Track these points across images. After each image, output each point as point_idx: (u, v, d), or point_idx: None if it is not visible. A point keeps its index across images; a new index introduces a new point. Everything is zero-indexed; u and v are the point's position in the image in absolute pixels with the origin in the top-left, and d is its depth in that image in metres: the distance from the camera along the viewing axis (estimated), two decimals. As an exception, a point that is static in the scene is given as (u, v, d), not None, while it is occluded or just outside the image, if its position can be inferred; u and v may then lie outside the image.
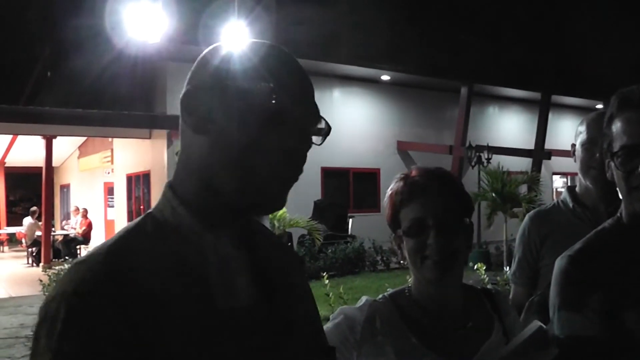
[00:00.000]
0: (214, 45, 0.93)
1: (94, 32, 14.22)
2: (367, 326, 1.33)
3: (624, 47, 17.60)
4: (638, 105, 1.28)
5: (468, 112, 17.20)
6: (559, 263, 1.37)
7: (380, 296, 1.41)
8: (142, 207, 15.61)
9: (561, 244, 1.46)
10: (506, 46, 16.86)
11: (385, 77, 16.97)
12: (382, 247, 12.81)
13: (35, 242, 15.26)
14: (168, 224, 0.87)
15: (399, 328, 1.33)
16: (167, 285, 0.80)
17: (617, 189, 1.35)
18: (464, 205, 1.38)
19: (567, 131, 17.84)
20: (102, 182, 18.94)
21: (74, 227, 16.90)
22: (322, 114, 0.91)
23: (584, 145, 2.02)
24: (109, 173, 18.15)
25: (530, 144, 19.18)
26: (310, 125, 0.89)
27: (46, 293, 8.26)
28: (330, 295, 6.64)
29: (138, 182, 16.00)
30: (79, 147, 19.53)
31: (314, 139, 0.89)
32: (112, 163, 17.49)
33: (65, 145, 18.20)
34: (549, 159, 18.96)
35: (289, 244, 11.34)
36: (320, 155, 14.61)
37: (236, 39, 0.86)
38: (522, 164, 17.46)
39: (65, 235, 16.45)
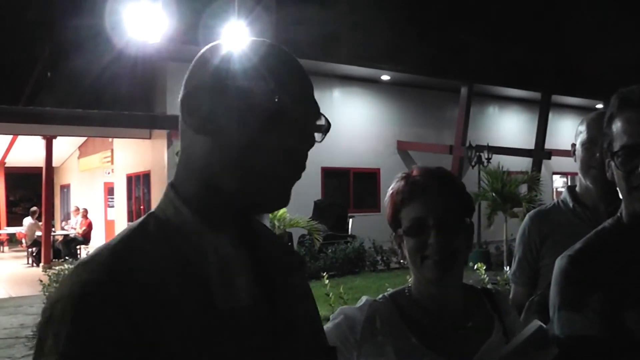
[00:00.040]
0: (212, 44, 0.93)
1: (94, 32, 14.23)
2: (367, 326, 1.33)
3: (624, 47, 17.59)
4: (638, 105, 1.28)
5: (468, 112, 17.20)
6: (559, 263, 1.37)
7: (380, 296, 1.41)
8: (142, 207, 15.61)
9: (561, 243, 1.46)
10: (506, 46, 16.85)
11: (385, 77, 16.97)
12: (382, 247, 12.81)
13: (36, 242, 15.27)
14: (170, 224, 0.87)
15: (399, 328, 1.33)
16: (170, 286, 0.80)
17: (617, 188, 1.35)
18: (465, 205, 1.38)
19: (567, 131, 17.84)
20: (102, 182, 18.95)
21: (74, 227, 16.90)
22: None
23: (584, 145, 2.02)
24: (109, 173, 18.15)
25: (530, 144, 19.18)
26: (311, 123, 0.89)
27: (46, 293, 8.27)
28: (331, 295, 6.64)
29: (138, 182, 16.00)
30: (79, 147, 19.54)
31: (315, 136, 0.89)
32: (112, 163, 17.49)
33: (66, 146, 18.20)
34: (549, 158, 18.96)
35: (289, 243, 11.33)
36: (321, 155, 14.61)
37: (234, 38, 0.86)
38: (522, 163, 17.46)
39: (66, 236, 16.45)
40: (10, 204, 24.88)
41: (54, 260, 13.85)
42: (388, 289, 1.58)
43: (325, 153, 15.03)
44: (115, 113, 13.75)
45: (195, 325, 0.79)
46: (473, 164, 15.32)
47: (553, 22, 17.71)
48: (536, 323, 1.28)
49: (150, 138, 14.78)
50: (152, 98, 14.72)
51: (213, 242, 0.86)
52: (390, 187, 1.40)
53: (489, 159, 15.21)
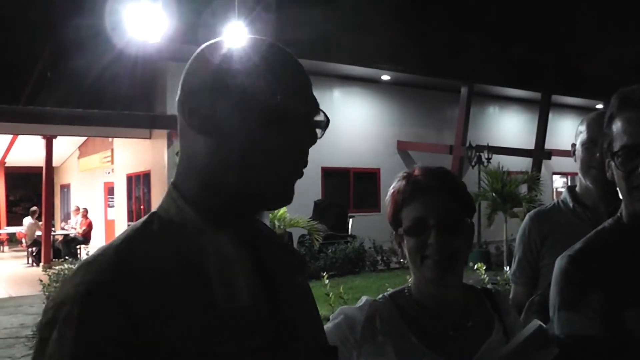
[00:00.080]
0: (209, 43, 0.92)
1: (94, 32, 14.23)
2: (367, 326, 1.33)
3: (624, 47, 17.60)
4: (638, 105, 1.28)
5: (468, 112, 17.20)
6: (559, 263, 1.37)
7: (380, 296, 1.42)
8: (142, 207, 15.62)
9: (561, 243, 1.46)
10: (506, 46, 16.85)
11: (385, 77, 16.98)
12: (382, 247, 12.81)
13: (36, 242, 15.27)
14: (174, 224, 0.87)
15: (399, 328, 1.33)
16: (174, 286, 0.80)
17: (618, 188, 1.35)
18: (466, 205, 1.38)
19: (567, 131, 17.83)
20: (103, 182, 18.95)
21: (74, 227, 16.91)
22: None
23: (584, 145, 2.02)
24: (109, 173, 18.16)
25: (530, 144, 19.18)
26: (312, 119, 0.89)
27: (46, 293, 8.27)
28: (331, 295, 6.64)
29: (138, 182, 16.00)
30: (79, 147, 19.54)
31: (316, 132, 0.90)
32: (112, 163, 17.50)
33: (66, 145, 18.20)
34: (549, 158, 18.97)
35: (289, 243, 11.33)
36: (321, 155, 14.61)
37: (230, 36, 0.86)
38: (522, 163, 17.46)
39: (66, 235, 16.45)
40: (10, 204, 24.89)
41: (54, 260, 13.85)
42: (388, 289, 1.58)
43: (325, 153, 15.03)
44: (116, 113, 13.76)
45: (198, 325, 0.79)
46: (473, 164, 15.32)
47: (553, 22, 17.71)
48: (536, 322, 1.28)
49: (150, 138, 14.78)
50: (152, 98, 14.73)
51: (216, 241, 0.86)
52: (392, 187, 1.40)
53: (489, 159, 15.21)
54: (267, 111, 0.85)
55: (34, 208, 16.48)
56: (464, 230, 1.35)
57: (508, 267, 7.22)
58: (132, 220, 15.19)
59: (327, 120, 0.92)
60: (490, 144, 15.83)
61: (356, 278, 11.63)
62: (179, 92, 0.90)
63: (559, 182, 22.13)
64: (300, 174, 0.90)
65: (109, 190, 18.65)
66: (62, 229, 18.84)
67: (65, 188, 22.06)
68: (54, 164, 16.40)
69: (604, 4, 17.81)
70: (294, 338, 0.91)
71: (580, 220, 2.06)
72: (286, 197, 0.89)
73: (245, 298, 0.84)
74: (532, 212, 2.28)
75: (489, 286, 1.73)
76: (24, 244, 16.21)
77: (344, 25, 14.46)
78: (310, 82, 0.91)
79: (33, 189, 26.67)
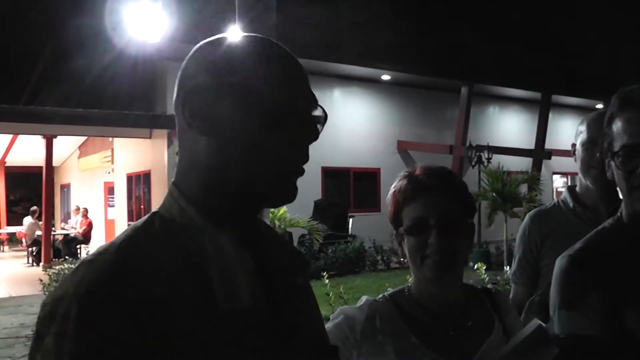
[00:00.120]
0: (204, 42, 0.91)
1: (95, 32, 14.22)
2: (367, 326, 1.33)
3: (624, 46, 17.60)
4: (639, 105, 1.28)
5: (468, 112, 17.20)
6: (559, 262, 1.37)
7: (380, 296, 1.42)
8: (142, 206, 15.61)
9: (561, 243, 1.46)
10: (506, 46, 16.85)
11: (385, 77, 16.97)
12: (382, 246, 12.81)
13: (36, 242, 15.27)
14: (176, 224, 0.86)
15: (399, 327, 1.33)
16: (175, 286, 0.80)
17: (618, 188, 1.35)
18: (467, 205, 1.38)
19: (568, 131, 17.83)
20: (103, 181, 18.95)
21: (74, 226, 16.91)
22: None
23: (584, 144, 2.02)
24: (109, 173, 18.15)
25: (530, 144, 19.18)
26: (312, 114, 0.89)
27: (46, 293, 8.27)
28: (331, 294, 6.65)
29: (138, 182, 16.00)
30: (79, 147, 19.54)
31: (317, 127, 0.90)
32: (112, 163, 17.49)
33: (66, 145, 18.20)
34: (549, 158, 18.97)
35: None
36: (321, 155, 14.62)
37: (225, 34, 0.85)
38: (522, 163, 17.46)
39: (66, 235, 16.45)
40: (10, 204, 24.89)
41: (54, 259, 13.85)
42: (388, 289, 1.58)
43: (325, 153, 15.03)
44: (116, 113, 13.75)
45: (199, 325, 0.79)
46: (473, 163, 15.32)
47: (553, 22, 17.71)
48: (535, 322, 1.28)
49: (150, 138, 14.78)
50: (153, 98, 14.72)
51: (217, 241, 0.85)
52: (393, 185, 1.40)
53: (489, 159, 15.22)
54: (268, 109, 0.85)
55: (34, 208, 16.48)
56: (464, 231, 1.35)
57: (508, 267, 7.22)
58: (132, 220, 15.19)
59: (326, 115, 0.92)
60: (490, 144, 15.83)
61: (356, 278, 11.63)
62: (176, 93, 0.90)
63: (559, 182, 22.13)
64: (302, 170, 0.90)
65: (109, 190, 18.65)
66: (62, 228, 18.84)
67: (66, 188, 22.06)
68: (54, 164, 16.40)
69: (603, 4, 17.81)
70: (295, 338, 0.91)
71: (580, 220, 2.06)
72: (290, 194, 0.89)
73: (246, 298, 0.84)
74: (532, 212, 2.28)
75: (489, 286, 1.73)
76: (24, 244, 16.21)
77: (344, 25, 14.47)
78: (307, 76, 0.91)
79: (33, 189, 26.67)
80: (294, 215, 11.19)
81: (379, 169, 17.09)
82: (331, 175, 16.46)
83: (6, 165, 20.85)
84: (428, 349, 1.30)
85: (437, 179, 1.35)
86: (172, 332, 0.77)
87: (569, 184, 18.03)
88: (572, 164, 2.12)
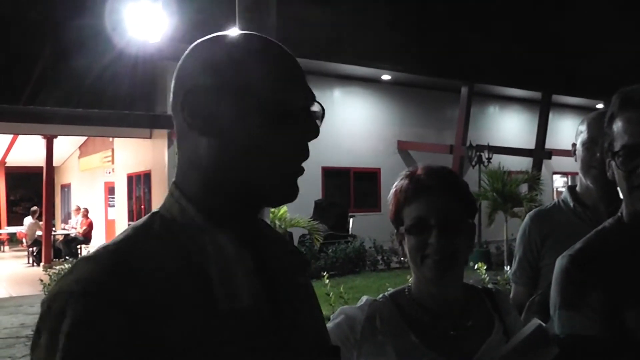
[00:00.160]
0: (199, 42, 0.91)
1: (95, 32, 14.22)
2: (368, 325, 1.33)
3: (624, 47, 17.59)
4: (639, 105, 1.28)
5: (469, 112, 17.21)
6: (559, 262, 1.37)
7: (380, 296, 1.42)
8: (142, 206, 15.62)
9: (562, 243, 1.46)
10: (506, 46, 16.85)
11: (385, 77, 16.97)
12: (382, 246, 12.81)
13: (36, 242, 15.28)
14: (176, 223, 0.86)
15: (399, 327, 1.33)
16: (175, 285, 0.79)
17: (618, 188, 1.35)
18: (468, 206, 1.38)
19: (568, 131, 17.83)
20: (103, 181, 18.95)
21: (74, 226, 16.92)
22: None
23: (584, 144, 2.02)
24: (109, 173, 18.16)
25: (530, 144, 19.18)
26: (311, 111, 0.89)
27: (46, 293, 8.27)
28: (331, 294, 6.65)
29: (139, 182, 16.01)
30: (80, 147, 19.55)
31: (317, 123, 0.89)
32: (112, 163, 17.50)
33: (66, 145, 18.21)
34: (550, 158, 18.97)
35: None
36: (321, 155, 14.62)
37: (220, 33, 0.84)
38: (522, 163, 17.46)
39: (66, 235, 16.46)
40: (10, 204, 24.90)
41: (54, 259, 13.87)
42: (388, 289, 1.58)
43: (325, 153, 15.03)
44: (116, 112, 13.76)
45: (199, 324, 0.79)
46: (473, 163, 15.32)
47: (553, 22, 17.71)
48: (535, 322, 1.28)
49: (150, 138, 14.79)
50: (153, 98, 14.73)
51: (217, 241, 0.85)
52: (394, 185, 1.40)
53: (489, 159, 15.22)
54: (269, 107, 0.84)
55: (35, 208, 16.49)
56: (465, 230, 1.35)
57: (508, 267, 7.23)
58: (132, 220, 15.20)
59: (324, 111, 0.91)
60: (490, 144, 15.83)
61: (356, 278, 11.64)
62: (173, 94, 0.89)
63: (559, 182, 22.13)
64: (302, 170, 0.89)
65: (110, 190, 18.66)
66: (63, 228, 18.85)
67: (66, 188, 22.07)
68: (54, 164, 16.41)
69: (604, 4, 17.80)
70: (296, 338, 0.90)
71: (580, 220, 2.06)
72: (291, 194, 0.89)
73: (246, 298, 0.84)
74: (532, 212, 2.28)
75: (489, 286, 1.73)
76: (25, 244, 16.22)
77: (345, 25, 14.46)
78: (304, 72, 0.91)
79: (33, 189, 26.68)
80: (294, 215, 11.19)
81: (379, 169, 17.09)
82: (331, 175, 16.46)
83: (6, 165, 20.86)
84: (428, 348, 1.30)
85: (438, 179, 1.35)
86: (171, 332, 0.76)
87: (569, 183, 18.02)
88: (572, 164, 2.12)
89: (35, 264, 15.00)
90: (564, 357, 1.25)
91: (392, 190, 1.39)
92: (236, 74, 0.85)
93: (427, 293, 1.37)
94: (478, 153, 15.29)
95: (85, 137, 17.78)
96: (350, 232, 14.65)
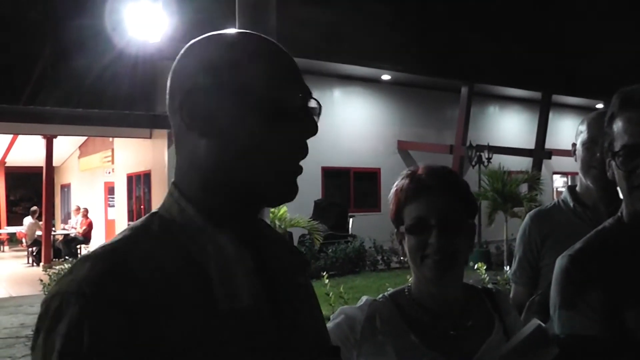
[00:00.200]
0: (194, 41, 0.90)
1: (95, 32, 14.23)
2: (368, 325, 1.33)
3: (624, 47, 17.59)
4: (639, 105, 1.28)
5: (468, 112, 17.21)
6: (559, 262, 1.37)
7: (380, 296, 1.41)
8: (142, 206, 15.62)
9: (562, 243, 1.46)
10: (506, 46, 16.85)
11: (385, 77, 16.98)
12: (382, 246, 12.81)
13: (36, 242, 15.27)
14: (176, 224, 0.86)
15: (399, 327, 1.33)
16: (174, 286, 0.79)
17: (618, 188, 1.35)
18: (468, 206, 1.38)
19: (568, 131, 17.83)
20: (103, 181, 18.95)
21: (74, 226, 16.92)
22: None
23: (584, 144, 2.02)
24: (109, 173, 18.16)
25: (530, 144, 19.19)
26: (309, 109, 0.89)
27: (46, 293, 8.28)
28: (331, 294, 6.65)
29: (139, 182, 16.00)
30: (80, 147, 19.54)
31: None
32: (112, 163, 17.50)
33: (66, 145, 18.20)
34: (550, 158, 18.97)
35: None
36: (321, 155, 14.62)
37: (214, 32, 0.84)
38: (522, 163, 17.47)
39: (66, 235, 16.46)
40: (10, 204, 24.90)
41: (54, 259, 13.87)
42: (388, 289, 1.58)
43: (325, 153, 15.03)
44: (116, 112, 13.76)
45: (199, 324, 0.79)
46: (473, 163, 15.32)
47: (553, 22, 17.71)
48: (535, 322, 1.28)
49: (150, 138, 14.78)
50: (153, 98, 14.71)
51: (217, 241, 0.85)
52: (395, 184, 1.39)
53: (489, 159, 15.22)
54: (268, 106, 0.84)
55: (34, 208, 16.48)
56: (465, 230, 1.35)
57: (508, 267, 7.22)
58: (132, 220, 15.18)
59: (320, 107, 0.91)
60: (490, 144, 15.83)
61: (356, 278, 11.64)
62: (170, 96, 0.89)
63: (559, 182, 22.14)
64: (301, 169, 0.89)
65: (110, 190, 18.65)
66: (63, 228, 18.84)
67: (66, 188, 22.07)
68: (54, 164, 16.41)
69: (603, 4, 17.80)
70: (296, 338, 0.90)
71: (580, 220, 2.06)
72: (290, 193, 0.89)
73: (246, 298, 0.84)
74: (532, 211, 2.28)
75: (489, 286, 1.73)
76: (24, 244, 16.21)
77: (345, 25, 14.46)
78: (299, 70, 0.91)
79: (33, 189, 26.69)
80: (294, 215, 11.19)
81: (379, 168, 17.09)
82: (331, 175, 16.46)
83: (6, 165, 20.85)
84: (428, 348, 1.30)
85: (439, 179, 1.35)
86: (171, 332, 0.76)
87: (569, 183, 18.02)
88: (572, 164, 2.12)
89: (35, 264, 15.00)
90: (564, 357, 1.25)
91: (393, 190, 1.39)
92: (234, 73, 0.85)
93: (427, 293, 1.37)
94: (478, 153, 15.29)
95: (85, 137, 17.77)
96: (350, 232, 14.65)
